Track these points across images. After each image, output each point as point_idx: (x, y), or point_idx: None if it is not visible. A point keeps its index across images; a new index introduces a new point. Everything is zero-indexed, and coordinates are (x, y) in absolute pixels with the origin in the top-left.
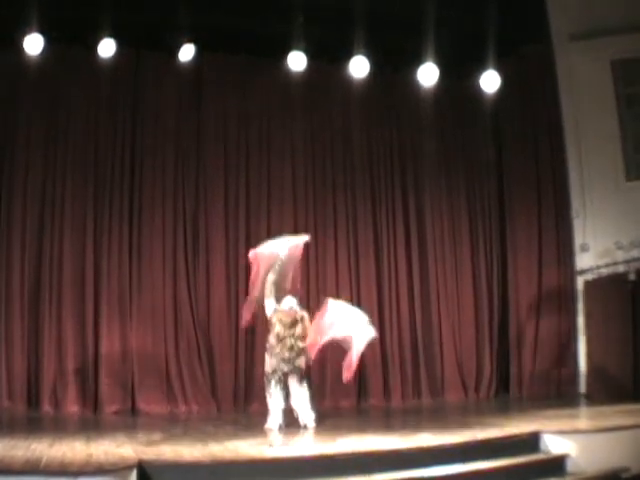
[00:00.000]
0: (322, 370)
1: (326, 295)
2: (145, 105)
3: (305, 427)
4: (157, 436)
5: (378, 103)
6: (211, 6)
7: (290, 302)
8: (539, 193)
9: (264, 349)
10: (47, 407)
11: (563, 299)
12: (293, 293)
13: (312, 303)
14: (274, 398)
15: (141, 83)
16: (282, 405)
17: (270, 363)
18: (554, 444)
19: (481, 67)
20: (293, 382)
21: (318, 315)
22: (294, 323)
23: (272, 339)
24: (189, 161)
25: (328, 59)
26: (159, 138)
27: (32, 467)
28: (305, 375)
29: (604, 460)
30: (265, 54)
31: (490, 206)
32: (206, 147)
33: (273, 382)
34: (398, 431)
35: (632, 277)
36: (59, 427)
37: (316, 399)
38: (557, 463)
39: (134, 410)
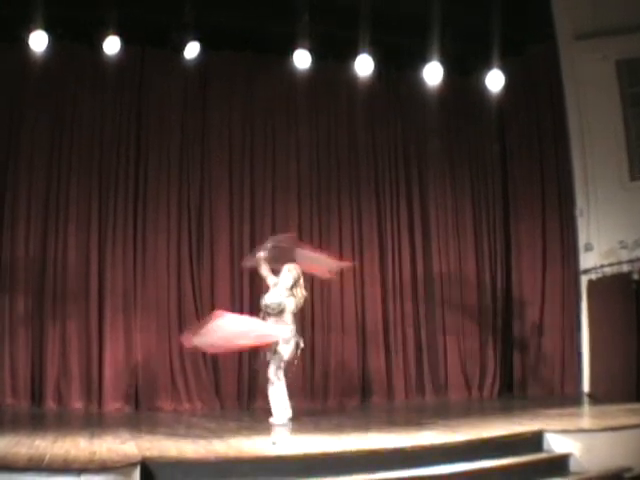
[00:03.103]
0: (325, 369)
1: (330, 289)
2: (150, 103)
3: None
4: (161, 433)
5: (383, 101)
6: (216, 4)
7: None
8: (543, 192)
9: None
10: (51, 403)
11: (567, 298)
12: None
13: (316, 301)
14: (277, 386)
15: (146, 81)
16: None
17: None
18: (557, 443)
19: (486, 66)
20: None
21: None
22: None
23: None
24: (194, 158)
25: (333, 57)
26: (164, 135)
27: (36, 464)
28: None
29: (607, 460)
30: (270, 52)
31: (494, 205)
32: (211, 144)
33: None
34: (402, 429)
35: (636, 276)
36: (63, 424)
37: (320, 397)
38: (560, 462)
39: (138, 407)
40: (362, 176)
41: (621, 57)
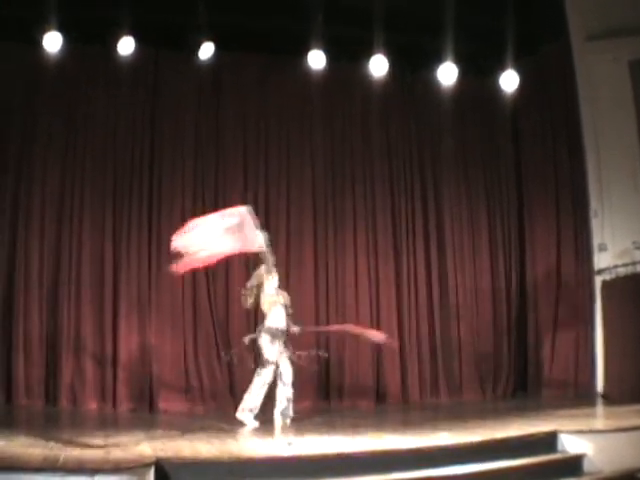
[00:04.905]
0: (340, 370)
1: (345, 293)
2: (164, 104)
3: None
4: (175, 433)
5: (397, 102)
6: (230, 5)
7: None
8: (557, 193)
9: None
10: (65, 404)
11: (581, 298)
12: None
13: (331, 300)
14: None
15: (160, 82)
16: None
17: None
18: (571, 444)
19: (500, 66)
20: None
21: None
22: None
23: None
24: (208, 159)
25: (347, 58)
26: (178, 137)
27: (50, 464)
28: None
29: (621, 460)
30: (284, 53)
31: (509, 205)
32: (225, 145)
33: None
34: (416, 430)
35: None
36: (77, 424)
37: (335, 398)
38: (574, 463)
39: (152, 407)
40: (377, 178)
41: (634, 58)
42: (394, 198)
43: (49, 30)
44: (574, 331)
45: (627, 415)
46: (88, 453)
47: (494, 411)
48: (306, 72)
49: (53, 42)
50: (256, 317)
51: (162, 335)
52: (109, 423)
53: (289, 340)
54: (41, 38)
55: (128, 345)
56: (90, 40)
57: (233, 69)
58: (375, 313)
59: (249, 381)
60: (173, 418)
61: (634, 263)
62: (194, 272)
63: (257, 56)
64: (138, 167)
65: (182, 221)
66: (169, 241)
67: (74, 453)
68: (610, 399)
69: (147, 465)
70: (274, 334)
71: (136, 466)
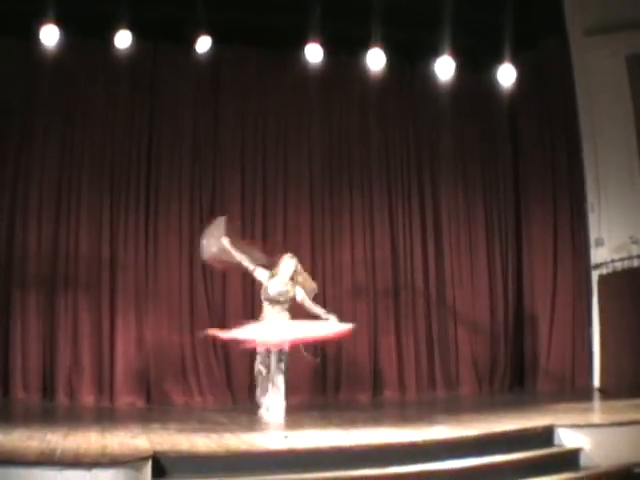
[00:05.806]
0: (337, 363)
1: (342, 291)
2: (162, 98)
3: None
4: (172, 427)
5: (394, 96)
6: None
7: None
8: (555, 187)
9: None
10: (62, 398)
11: (578, 293)
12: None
13: (328, 298)
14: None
15: (158, 76)
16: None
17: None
18: (568, 438)
19: (498, 61)
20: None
21: None
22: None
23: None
24: (206, 154)
25: (345, 52)
26: (176, 133)
27: (47, 458)
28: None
29: (617, 454)
30: (283, 48)
31: (506, 200)
32: (223, 140)
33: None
34: (413, 424)
35: None
36: (74, 418)
37: (332, 392)
38: (571, 457)
39: (149, 401)
40: (374, 175)
41: (631, 52)
42: (391, 194)
43: (46, 23)
44: (571, 325)
45: (624, 409)
46: (85, 447)
47: (491, 405)
48: (304, 67)
49: (50, 36)
50: (253, 311)
51: (159, 329)
52: (106, 417)
53: None
54: (38, 32)
55: (125, 339)
56: (88, 34)
57: (231, 64)
58: (373, 310)
59: (246, 374)
60: (170, 411)
61: (631, 257)
62: (191, 268)
63: (255, 51)
64: (136, 163)
65: (179, 218)
66: (166, 238)
67: (71, 447)
68: (607, 393)
69: (144, 459)
70: None
71: (133, 460)
